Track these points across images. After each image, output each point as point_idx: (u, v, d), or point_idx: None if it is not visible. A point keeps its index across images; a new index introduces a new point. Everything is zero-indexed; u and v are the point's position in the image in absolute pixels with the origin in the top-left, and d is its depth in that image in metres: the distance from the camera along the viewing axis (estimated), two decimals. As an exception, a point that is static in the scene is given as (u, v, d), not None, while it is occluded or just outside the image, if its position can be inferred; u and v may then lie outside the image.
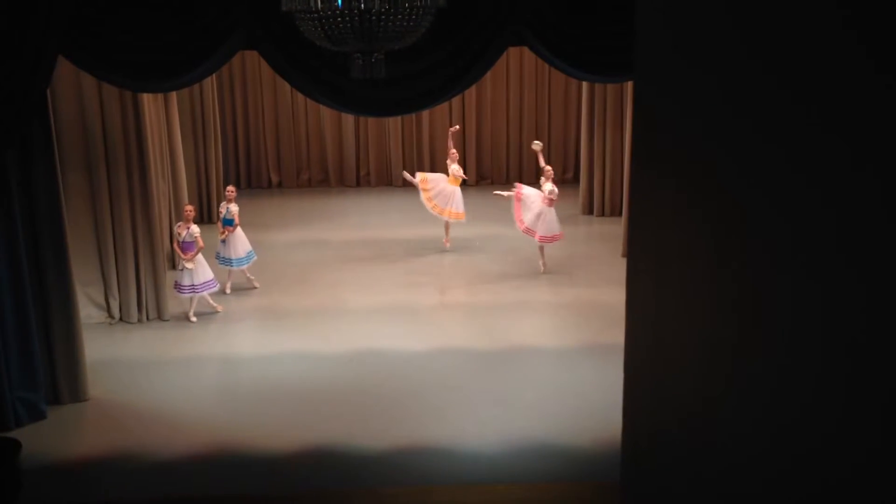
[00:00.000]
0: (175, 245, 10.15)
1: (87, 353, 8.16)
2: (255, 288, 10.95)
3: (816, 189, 1.70)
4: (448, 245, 12.15)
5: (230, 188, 10.92)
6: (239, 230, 10.69)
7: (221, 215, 10.74)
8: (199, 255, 9.96)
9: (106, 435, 7.59)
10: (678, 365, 2.50)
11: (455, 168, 12.04)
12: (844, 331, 1.62)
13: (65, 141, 9.00)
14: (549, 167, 11.26)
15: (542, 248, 11.20)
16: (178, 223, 10.17)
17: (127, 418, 7.85)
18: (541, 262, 11.20)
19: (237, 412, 7.97)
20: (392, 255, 12.30)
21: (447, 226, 12.15)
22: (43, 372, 7.80)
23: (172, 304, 10.05)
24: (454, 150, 12.18)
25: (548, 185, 11.06)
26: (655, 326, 2.71)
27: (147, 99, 9.64)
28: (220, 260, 10.68)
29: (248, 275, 10.96)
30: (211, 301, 10.17)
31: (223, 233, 10.63)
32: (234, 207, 10.62)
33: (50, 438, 7.49)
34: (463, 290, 10.95)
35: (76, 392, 8.06)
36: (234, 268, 10.72)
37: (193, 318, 9.97)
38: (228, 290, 10.78)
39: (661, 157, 2.64)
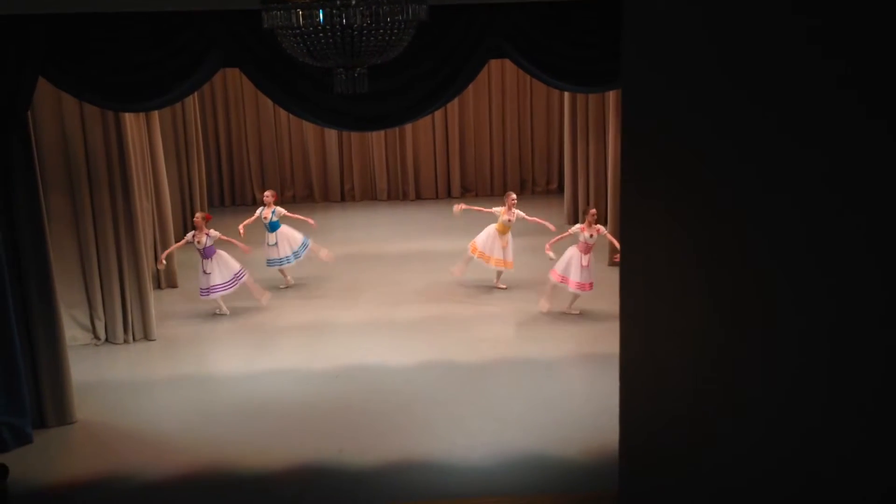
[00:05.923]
0: (160, 260, 10.63)
1: (72, 375, 8.10)
2: (290, 286, 11.50)
3: (787, 194, 1.73)
4: (502, 286, 11.29)
5: (270, 192, 11.50)
6: (286, 228, 11.34)
7: (266, 221, 11.25)
8: (223, 252, 10.38)
9: (93, 458, 7.53)
10: (674, 371, 2.51)
11: (501, 214, 10.99)
12: (841, 331, 1.64)
13: (47, 163, 8.96)
14: (593, 210, 10.28)
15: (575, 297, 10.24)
16: (192, 232, 10.42)
17: (114, 440, 7.79)
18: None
19: (225, 431, 7.92)
20: (377, 269, 12.28)
21: (497, 273, 11.26)
22: (29, 396, 7.73)
23: (159, 324, 10.00)
24: (512, 195, 11.17)
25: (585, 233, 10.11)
26: (650, 333, 2.72)
27: (129, 118, 9.61)
28: (273, 262, 11.30)
29: (287, 275, 11.56)
30: (254, 289, 10.56)
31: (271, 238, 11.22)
32: (280, 209, 11.30)
33: (37, 462, 7.42)
34: (449, 303, 10.94)
35: (62, 415, 7.99)
36: (288, 265, 11.36)
37: (227, 311, 10.52)
38: (227, 311, 10.68)
39: (649, 164, 2.66)
